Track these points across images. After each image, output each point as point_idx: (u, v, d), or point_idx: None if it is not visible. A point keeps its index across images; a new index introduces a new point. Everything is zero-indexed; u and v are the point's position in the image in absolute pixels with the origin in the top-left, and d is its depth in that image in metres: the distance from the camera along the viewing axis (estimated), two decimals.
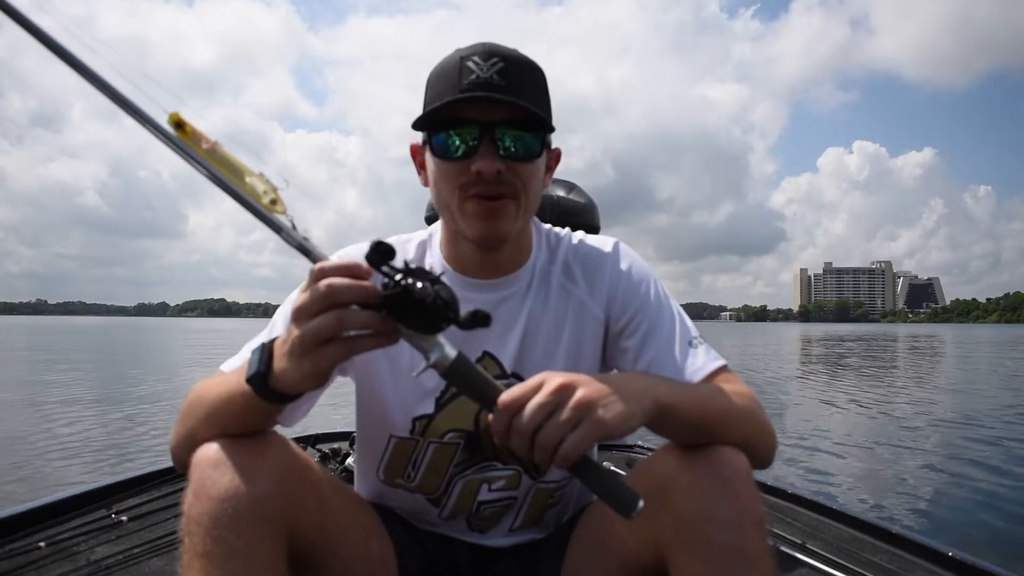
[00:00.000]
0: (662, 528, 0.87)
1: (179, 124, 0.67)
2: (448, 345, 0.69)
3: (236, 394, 0.83)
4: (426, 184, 1.04)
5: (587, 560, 1.03)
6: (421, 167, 1.05)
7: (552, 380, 0.75)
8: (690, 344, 1.04)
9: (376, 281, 0.68)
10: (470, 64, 0.94)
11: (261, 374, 0.77)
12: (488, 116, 0.94)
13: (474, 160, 0.94)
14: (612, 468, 2.44)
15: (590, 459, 0.73)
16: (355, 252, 1.10)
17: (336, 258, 0.69)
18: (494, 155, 0.94)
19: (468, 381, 0.71)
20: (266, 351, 0.77)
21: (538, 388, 0.74)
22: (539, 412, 0.72)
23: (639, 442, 2.83)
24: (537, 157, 0.98)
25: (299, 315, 0.69)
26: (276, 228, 0.69)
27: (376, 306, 0.67)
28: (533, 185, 0.99)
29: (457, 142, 0.95)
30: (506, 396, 0.73)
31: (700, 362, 1.02)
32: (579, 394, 0.74)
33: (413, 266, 0.67)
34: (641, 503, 0.71)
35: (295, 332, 0.70)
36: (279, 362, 0.75)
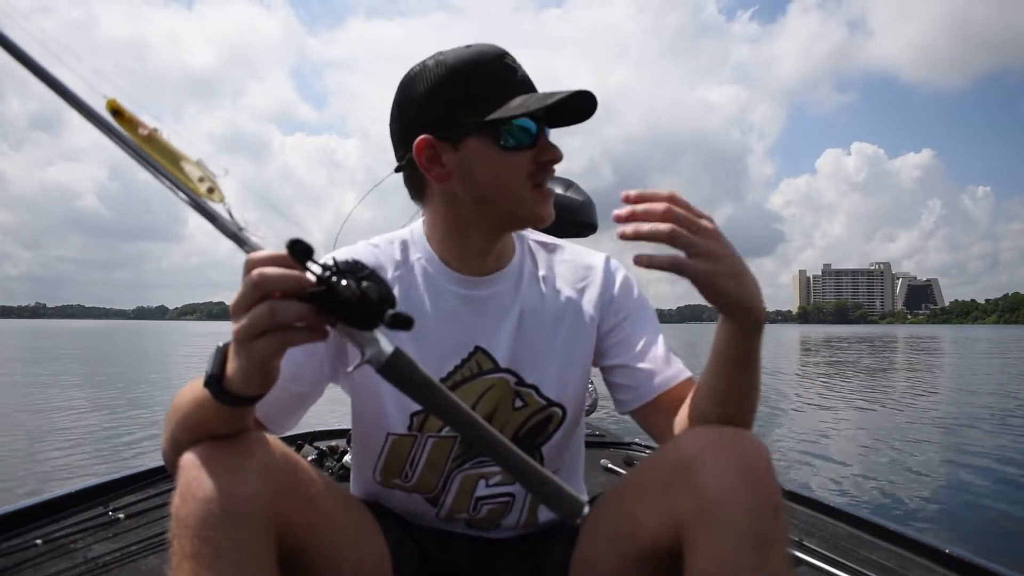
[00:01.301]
0: (683, 506, 0.88)
1: (117, 111, 0.65)
2: (384, 340, 0.67)
3: (202, 399, 0.82)
4: (440, 180, 1.02)
5: (601, 548, 1.03)
6: (431, 162, 1.01)
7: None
8: (670, 351, 1.13)
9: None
10: (508, 61, 1.01)
11: (215, 377, 0.75)
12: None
13: (540, 149, 1.01)
14: (610, 465, 2.44)
15: (535, 466, 0.71)
16: (345, 255, 1.10)
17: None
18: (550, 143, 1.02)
19: (405, 378, 0.68)
20: (221, 353, 0.75)
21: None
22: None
23: (636, 439, 2.82)
24: None
25: (235, 310, 0.68)
26: (210, 216, 0.67)
27: (308, 298, 0.65)
28: None
29: (529, 132, 1.00)
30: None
31: (675, 370, 1.11)
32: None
33: (342, 262, 0.65)
34: (586, 510, 0.71)
35: (233, 327, 0.69)
36: (229, 363, 0.73)
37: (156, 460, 2.12)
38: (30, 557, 1.52)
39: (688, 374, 1.10)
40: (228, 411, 0.79)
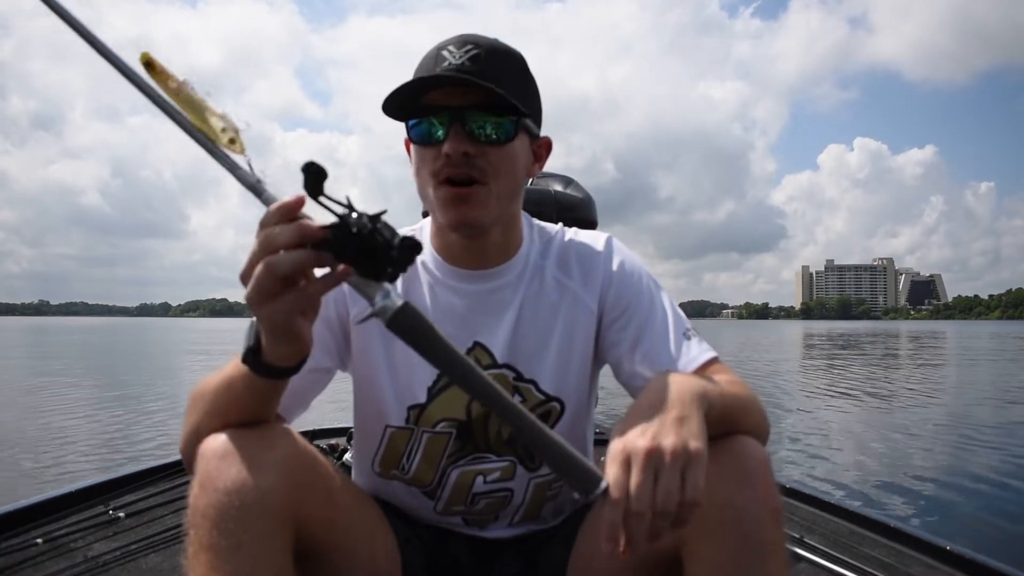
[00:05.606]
0: None
1: (149, 63, 0.67)
2: (395, 293, 0.66)
3: (234, 378, 0.83)
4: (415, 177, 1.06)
5: (599, 549, 1.02)
6: (412, 162, 1.06)
7: (637, 449, 0.72)
8: (684, 336, 1.05)
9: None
10: (445, 52, 0.97)
11: (252, 349, 0.76)
12: (459, 101, 0.95)
13: (445, 144, 0.95)
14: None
15: (550, 434, 0.69)
16: None
17: None
18: (463, 138, 0.95)
19: (416, 334, 0.67)
20: (255, 327, 0.76)
21: (627, 464, 0.72)
22: (646, 486, 0.70)
23: None
24: (509, 141, 0.98)
25: (243, 277, 0.68)
26: (230, 165, 0.68)
27: (317, 244, 0.65)
28: (506, 170, 0.99)
29: (429, 128, 0.97)
30: (615, 491, 0.70)
31: (694, 353, 1.03)
32: (668, 444, 0.72)
33: (353, 203, 0.65)
34: (604, 484, 0.69)
35: (245, 295, 0.69)
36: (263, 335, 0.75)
37: (156, 459, 2.13)
38: (30, 556, 1.52)
39: (710, 354, 1.03)
40: (264, 386, 0.80)
